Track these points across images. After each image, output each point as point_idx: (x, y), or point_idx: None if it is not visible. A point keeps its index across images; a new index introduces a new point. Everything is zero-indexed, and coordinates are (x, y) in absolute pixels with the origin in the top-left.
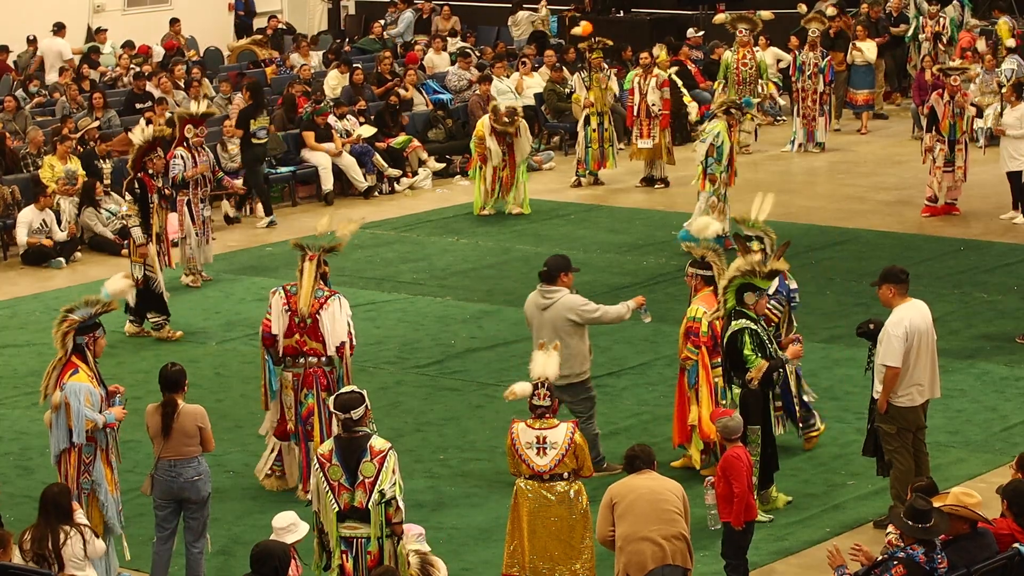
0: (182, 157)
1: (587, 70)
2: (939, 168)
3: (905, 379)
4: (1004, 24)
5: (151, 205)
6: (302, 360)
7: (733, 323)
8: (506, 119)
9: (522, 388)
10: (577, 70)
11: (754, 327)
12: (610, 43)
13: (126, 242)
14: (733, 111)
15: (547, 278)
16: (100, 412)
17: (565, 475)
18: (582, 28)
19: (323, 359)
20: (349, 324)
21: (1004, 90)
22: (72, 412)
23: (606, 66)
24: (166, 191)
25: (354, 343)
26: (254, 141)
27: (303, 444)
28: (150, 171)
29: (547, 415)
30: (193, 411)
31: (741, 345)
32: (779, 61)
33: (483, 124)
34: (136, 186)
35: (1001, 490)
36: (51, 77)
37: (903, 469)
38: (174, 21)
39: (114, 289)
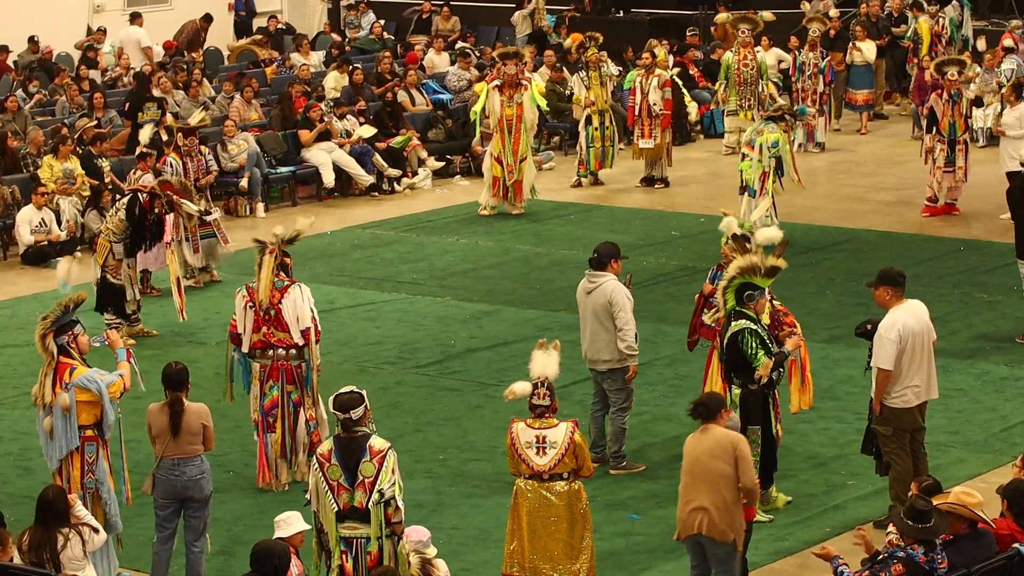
0: (172, 164)
1: (585, 69)
2: (939, 168)
3: (899, 381)
4: (924, 23)
5: (144, 232)
6: (270, 352)
7: (733, 324)
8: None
9: (521, 387)
10: (576, 70)
11: (754, 327)
12: (600, 37)
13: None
14: (787, 118)
15: (596, 264)
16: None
17: (565, 475)
18: (571, 39)
19: (292, 351)
20: (312, 311)
21: (1004, 90)
22: (97, 395)
23: (605, 57)
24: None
25: (319, 329)
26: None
27: (262, 435)
28: (156, 209)
29: (547, 415)
30: (198, 409)
31: (743, 345)
32: (780, 62)
33: (482, 85)
34: (136, 210)
35: (1001, 490)
36: (133, 64)
37: (901, 469)
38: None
39: (62, 275)
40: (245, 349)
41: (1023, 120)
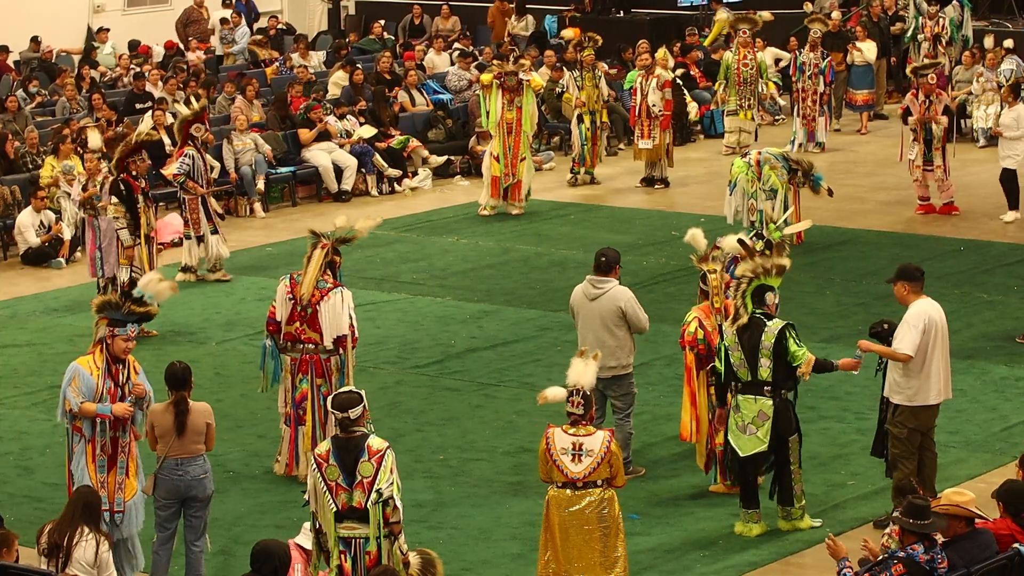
0: (192, 157)
1: (579, 69)
2: (918, 167)
3: (922, 375)
4: (721, 15)
5: (138, 207)
6: (300, 346)
7: (771, 323)
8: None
9: (554, 393)
10: (570, 69)
11: (790, 323)
12: (600, 40)
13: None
14: (798, 174)
15: (605, 269)
16: (97, 402)
17: (598, 483)
18: (572, 32)
19: (320, 347)
20: (351, 318)
21: (1002, 91)
22: (61, 395)
23: (606, 65)
24: (150, 191)
25: (356, 336)
26: None
27: (293, 427)
28: (133, 173)
29: (582, 422)
30: (202, 408)
31: (787, 342)
32: (778, 61)
33: (489, 76)
34: (121, 188)
35: (995, 493)
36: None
37: (906, 472)
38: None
39: (142, 284)
40: (281, 338)
41: (1020, 121)
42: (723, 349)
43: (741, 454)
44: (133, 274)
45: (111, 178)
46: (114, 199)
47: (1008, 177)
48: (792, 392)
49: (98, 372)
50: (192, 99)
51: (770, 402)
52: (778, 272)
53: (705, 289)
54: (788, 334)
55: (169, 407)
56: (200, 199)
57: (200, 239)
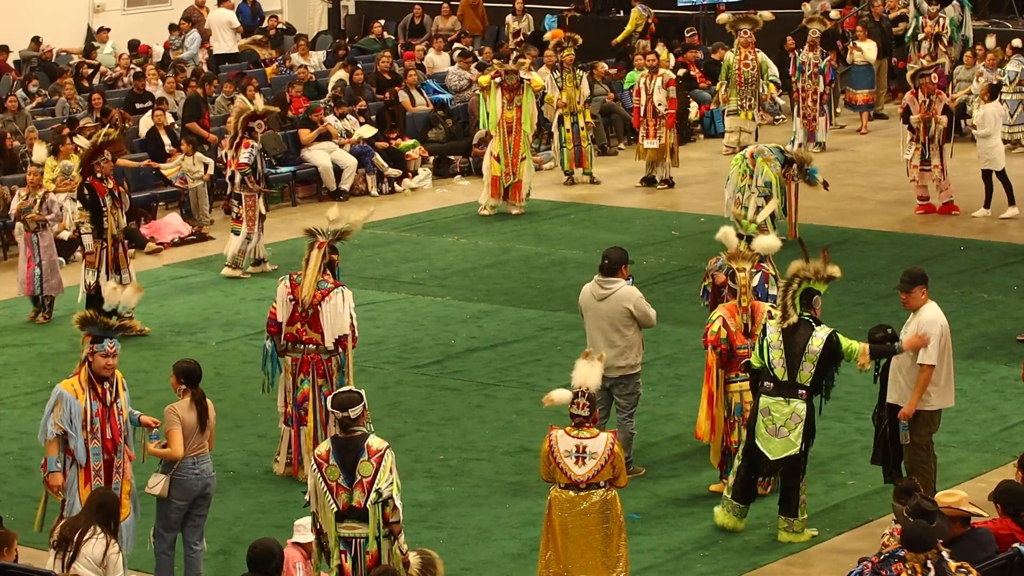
0: (257, 149)
1: (559, 70)
2: (915, 167)
3: (943, 378)
4: (636, 12)
5: (104, 208)
6: (301, 347)
7: (819, 328)
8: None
9: (560, 395)
10: (550, 70)
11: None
12: (579, 40)
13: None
14: (794, 167)
15: (608, 271)
16: (76, 429)
17: (601, 484)
18: (551, 34)
19: (320, 347)
20: (352, 317)
21: (979, 90)
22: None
23: (605, 65)
24: (119, 191)
25: (357, 336)
26: None
27: (295, 427)
28: (99, 175)
29: (586, 424)
30: (210, 403)
31: (839, 347)
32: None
33: (487, 78)
34: (85, 192)
35: (992, 496)
36: (221, 46)
37: (929, 478)
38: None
39: (124, 301)
40: (283, 339)
41: (986, 119)
42: (766, 345)
43: (771, 458)
44: (99, 279)
45: (48, 189)
46: (79, 205)
47: (987, 175)
48: (825, 398)
49: (84, 396)
50: (255, 96)
51: (803, 405)
52: (827, 280)
53: (733, 287)
54: (837, 340)
55: (192, 404)
56: (255, 197)
57: (253, 236)
